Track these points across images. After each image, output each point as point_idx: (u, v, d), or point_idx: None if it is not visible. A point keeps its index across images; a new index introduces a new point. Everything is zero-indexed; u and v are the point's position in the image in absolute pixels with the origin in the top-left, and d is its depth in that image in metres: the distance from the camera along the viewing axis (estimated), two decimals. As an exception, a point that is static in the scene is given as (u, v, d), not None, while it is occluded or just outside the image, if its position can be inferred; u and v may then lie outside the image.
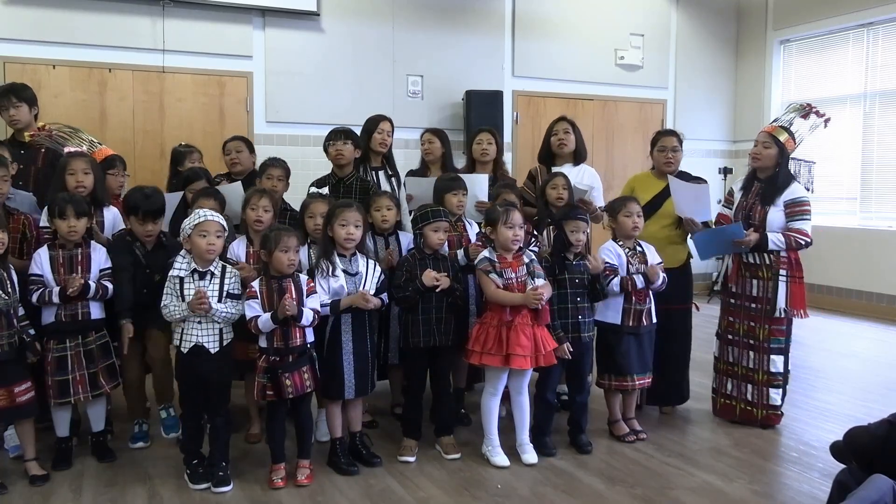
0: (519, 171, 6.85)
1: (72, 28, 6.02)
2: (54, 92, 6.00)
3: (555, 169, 4.29)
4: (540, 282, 3.42)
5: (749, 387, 3.96)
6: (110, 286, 3.41)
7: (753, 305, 3.94)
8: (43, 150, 4.15)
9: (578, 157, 4.42)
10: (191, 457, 3.28)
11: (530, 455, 3.49)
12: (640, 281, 3.68)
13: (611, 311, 3.72)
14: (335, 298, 3.30)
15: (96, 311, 3.38)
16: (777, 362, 3.91)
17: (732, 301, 4.03)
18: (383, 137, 4.28)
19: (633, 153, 7.89)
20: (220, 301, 3.17)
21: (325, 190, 4.14)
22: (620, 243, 3.79)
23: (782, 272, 3.86)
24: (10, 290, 3.13)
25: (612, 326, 3.72)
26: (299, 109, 6.71)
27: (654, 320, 3.81)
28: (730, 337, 4.04)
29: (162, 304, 3.18)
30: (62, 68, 6.06)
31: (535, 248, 3.78)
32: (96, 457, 3.48)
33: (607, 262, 3.71)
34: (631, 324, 3.72)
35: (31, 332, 3.23)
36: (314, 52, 6.80)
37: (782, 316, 3.88)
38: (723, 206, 4.14)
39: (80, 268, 3.35)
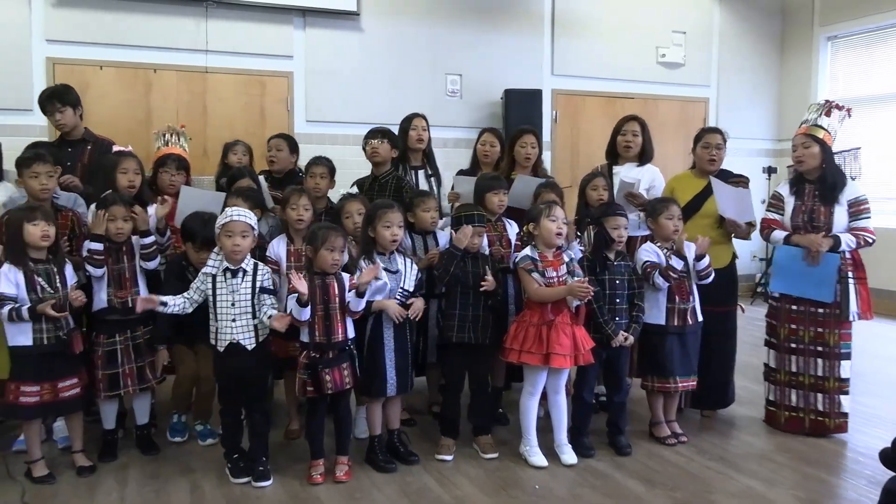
0: (557, 170, 6.82)
1: (118, 30, 6.15)
2: (101, 92, 6.14)
3: (616, 168, 4.25)
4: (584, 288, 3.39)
5: (819, 396, 3.81)
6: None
7: (821, 311, 3.79)
8: (89, 147, 4.26)
9: (645, 157, 4.36)
10: (231, 451, 3.33)
11: (569, 456, 3.47)
12: (677, 262, 3.62)
13: (654, 312, 3.68)
14: (373, 298, 3.32)
15: (144, 302, 3.45)
16: (845, 368, 3.79)
17: (795, 307, 3.86)
18: (419, 133, 4.29)
19: (675, 152, 7.76)
20: (253, 298, 3.20)
21: (354, 189, 4.16)
22: (658, 244, 3.75)
23: (850, 274, 3.77)
24: (57, 284, 3.21)
25: (656, 327, 3.68)
26: (339, 109, 6.76)
27: (700, 319, 3.76)
28: (793, 346, 3.87)
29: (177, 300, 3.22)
30: (109, 69, 6.20)
31: (581, 248, 3.76)
32: (140, 449, 3.55)
33: (648, 261, 3.67)
34: (675, 323, 3.68)
35: (72, 324, 3.27)
36: (353, 51, 6.85)
37: (854, 319, 3.77)
38: (767, 210, 4.02)
39: (125, 257, 3.42)
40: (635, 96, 7.87)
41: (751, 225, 3.99)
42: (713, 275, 3.73)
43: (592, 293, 3.35)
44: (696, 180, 4.12)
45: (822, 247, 3.69)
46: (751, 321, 4.80)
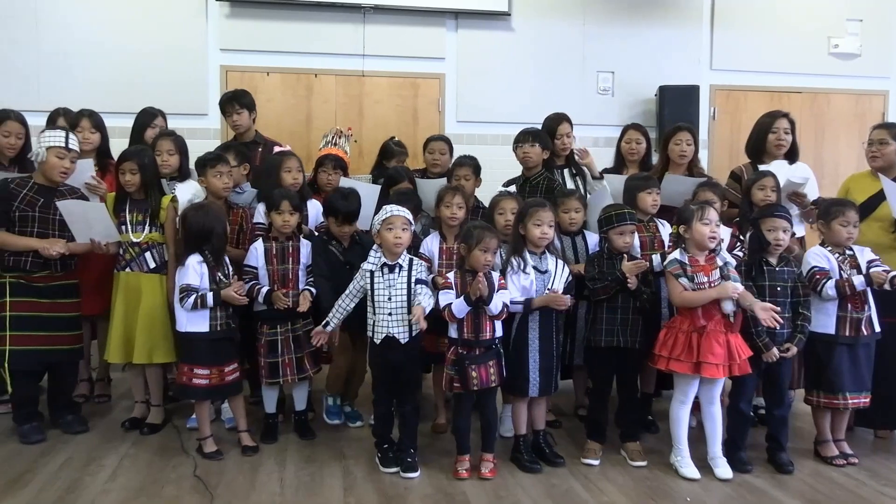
0: (715, 170, 6.50)
1: (283, 38, 6.51)
2: (267, 97, 6.53)
3: (763, 167, 4.02)
4: (737, 287, 3.22)
5: None
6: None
7: None
8: (259, 150, 4.55)
9: (794, 155, 4.13)
10: (381, 441, 3.44)
11: (723, 469, 3.30)
12: (859, 282, 3.35)
13: (823, 320, 3.42)
14: (527, 297, 3.32)
15: (304, 300, 3.65)
16: None
17: None
18: (563, 142, 4.31)
19: (847, 151, 7.21)
20: (409, 291, 3.28)
21: (513, 188, 4.18)
22: (829, 248, 3.48)
23: None
24: (227, 273, 3.49)
25: (824, 337, 3.42)
26: (489, 109, 6.80)
27: (877, 329, 3.46)
28: None
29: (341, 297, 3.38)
30: (275, 75, 6.59)
31: (741, 253, 3.57)
32: (298, 434, 3.75)
33: (817, 266, 3.43)
34: (846, 334, 3.41)
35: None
36: (504, 51, 6.86)
37: None
38: None
39: (290, 259, 3.63)
40: (803, 90, 7.35)
41: None
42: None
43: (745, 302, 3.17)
44: (872, 181, 3.82)
45: None
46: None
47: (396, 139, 5.10)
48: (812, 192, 3.98)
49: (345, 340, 3.82)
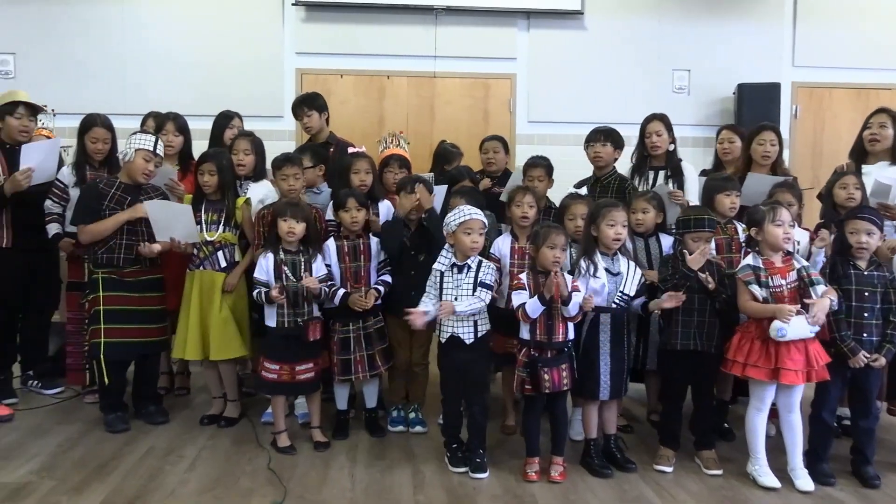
0: (797, 171, 6.26)
1: (357, 40, 6.62)
2: (341, 99, 6.64)
3: (866, 168, 3.85)
4: (821, 289, 3.10)
5: None
6: (389, 279, 3.70)
7: None
8: (332, 150, 4.63)
9: None
10: (450, 441, 3.45)
11: (804, 481, 3.18)
12: None
13: (909, 327, 3.26)
14: (597, 300, 3.27)
15: (375, 297, 3.69)
16: None
17: None
18: (652, 141, 4.17)
19: (941, 149, 6.83)
20: (473, 292, 3.28)
21: (584, 190, 4.13)
22: (920, 253, 3.32)
23: None
24: (301, 274, 3.53)
25: (910, 345, 3.26)
26: (561, 108, 6.74)
27: None
28: None
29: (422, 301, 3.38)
30: (348, 77, 6.70)
31: (826, 256, 3.44)
32: (369, 431, 3.79)
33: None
34: (934, 342, 3.24)
35: (316, 312, 3.59)
36: (576, 50, 6.79)
37: None
38: None
39: (362, 257, 3.68)
40: (892, 87, 6.99)
41: None
42: None
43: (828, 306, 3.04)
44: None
45: None
46: None
47: (449, 142, 5.09)
48: None
49: (402, 336, 3.78)
